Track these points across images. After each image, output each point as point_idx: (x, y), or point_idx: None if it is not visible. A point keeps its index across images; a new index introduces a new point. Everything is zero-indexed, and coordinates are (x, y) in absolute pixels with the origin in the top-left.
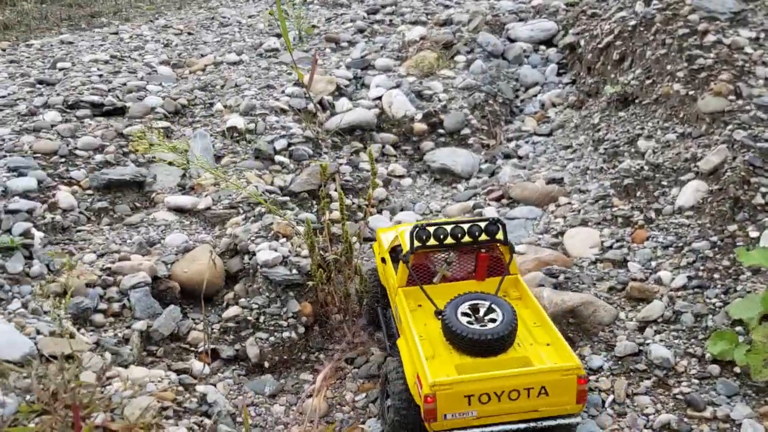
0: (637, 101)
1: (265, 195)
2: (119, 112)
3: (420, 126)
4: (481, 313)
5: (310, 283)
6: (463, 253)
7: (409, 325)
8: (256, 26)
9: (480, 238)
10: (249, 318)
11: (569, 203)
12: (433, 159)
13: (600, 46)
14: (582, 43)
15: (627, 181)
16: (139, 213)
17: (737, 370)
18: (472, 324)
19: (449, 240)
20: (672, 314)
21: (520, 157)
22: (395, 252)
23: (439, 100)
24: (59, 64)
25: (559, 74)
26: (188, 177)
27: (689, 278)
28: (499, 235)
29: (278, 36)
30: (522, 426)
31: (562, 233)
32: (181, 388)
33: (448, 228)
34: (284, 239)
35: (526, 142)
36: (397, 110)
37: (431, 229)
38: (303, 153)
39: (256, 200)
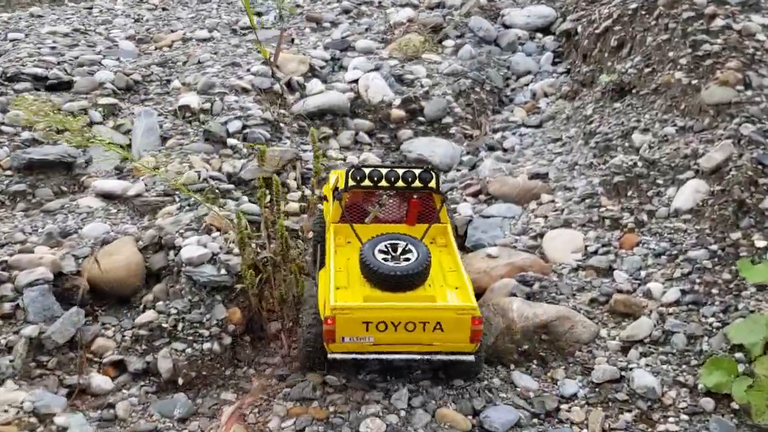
0: (634, 91)
1: (208, 182)
2: (64, 86)
3: (398, 113)
4: (398, 252)
5: (240, 285)
6: (396, 197)
7: (330, 257)
8: (236, 3)
9: (413, 185)
10: (164, 325)
11: (552, 201)
12: (410, 149)
13: (597, 31)
14: (579, 29)
15: (618, 178)
16: (64, 198)
17: (735, 406)
18: (387, 261)
19: (383, 183)
20: (661, 334)
21: (504, 150)
22: (336, 191)
23: (422, 86)
24: (10, 35)
25: (554, 63)
26: (130, 159)
27: (683, 292)
28: (432, 184)
29: (258, 14)
30: (416, 357)
31: (541, 235)
32: (33, 420)
33: (384, 171)
34: (218, 233)
35: (513, 134)
36: (374, 95)
37: (367, 170)
38: (259, 137)
39: (174, 187)
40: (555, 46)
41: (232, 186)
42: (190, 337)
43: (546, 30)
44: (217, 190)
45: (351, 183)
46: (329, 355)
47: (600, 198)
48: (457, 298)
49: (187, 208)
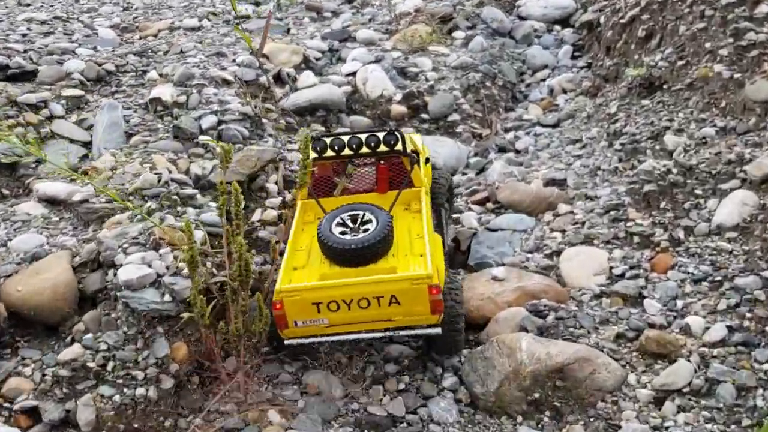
0: (665, 87)
1: (169, 186)
2: (28, 76)
3: (399, 108)
4: (357, 224)
5: (188, 314)
6: (365, 165)
7: (289, 236)
8: None
9: (378, 149)
10: (90, 364)
11: (571, 212)
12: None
13: (623, 21)
14: (602, 19)
15: (648, 187)
16: (3, 203)
17: None
18: (345, 234)
19: (347, 152)
20: (704, 383)
21: (517, 151)
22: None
23: (426, 79)
24: None
25: (573, 57)
26: (90, 158)
27: (730, 329)
28: (399, 147)
29: (257, 3)
30: (378, 335)
31: (558, 253)
32: None
33: (345, 139)
34: (168, 249)
35: (527, 134)
36: (373, 88)
37: (327, 140)
38: (235, 134)
39: (98, 192)
40: (574, 39)
41: (196, 191)
42: (121, 380)
43: (564, 22)
44: (176, 197)
45: (313, 155)
46: (285, 342)
47: (627, 210)
48: (418, 268)
49: (139, 217)
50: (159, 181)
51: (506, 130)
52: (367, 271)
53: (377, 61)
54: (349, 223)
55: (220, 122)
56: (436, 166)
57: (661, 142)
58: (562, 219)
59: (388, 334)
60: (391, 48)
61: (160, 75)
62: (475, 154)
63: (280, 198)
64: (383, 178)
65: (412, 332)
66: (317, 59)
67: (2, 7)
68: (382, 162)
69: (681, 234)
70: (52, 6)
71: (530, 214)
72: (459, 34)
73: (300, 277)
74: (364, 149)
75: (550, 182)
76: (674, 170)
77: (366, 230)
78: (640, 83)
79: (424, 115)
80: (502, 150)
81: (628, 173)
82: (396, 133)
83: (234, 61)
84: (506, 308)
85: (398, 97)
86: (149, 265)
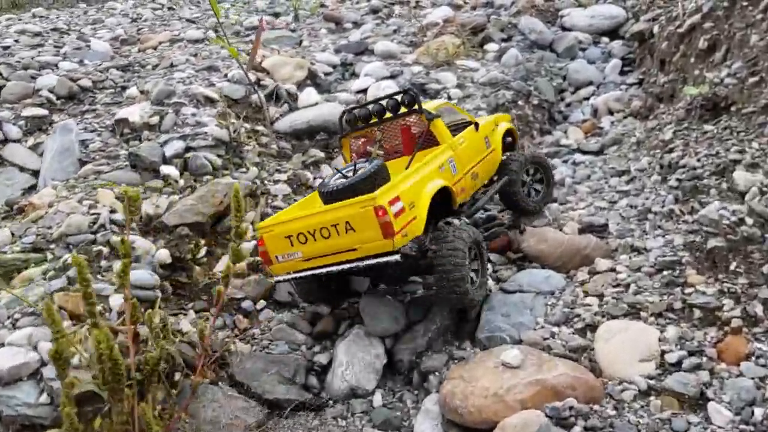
0: (733, 109)
1: (106, 229)
2: None
3: None
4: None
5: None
6: (392, 130)
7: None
8: (254, 3)
9: (398, 112)
10: None
11: (612, 270)
12: None
13: (680, 30)
14: (656, 29)
15: (713, 241)
16: None
17: None
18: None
19: (374, 121)
20: None
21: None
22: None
23: (449, 97)
24: None
25: (623, 72)
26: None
27: None
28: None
29: (276, 15)
30: (347, 266)
31: (592, 328)
32: None
33: (370, 107)
34: (70, 323)
35: (564, 162)
36: None
37: (356, 111)
38: (204, 163)
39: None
40: (624, 52)
41: (136, 239)
42: None
43: (613, 33)
44: (106, 246)
45: (345, 128)
46: (274, 279)
47: (685, 270)
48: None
49: (53, 273)
50: (94, 223)
51: None
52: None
53: (393, 76)
54: (349, 174)
55: (188, 149)
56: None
57: (729, 179)
58: (600, 279)
59: (354, 265)
60: (413, 62)
61: (141, 92)
62: None
63: (254, 242)
64: (407, 139)
65: (374, 261)
66: (327, 74)
67: (15, 21)
68: (403, 124)
69: (759, 309)
70: (57, 17)
71: (560, 269)
72: (492, 47)
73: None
74: (388, 115)
75: (587, 228)
76: (748, 219)
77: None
78: (702, 104)
79: None
80: None
81: (687, 218)
82: (410, 92)
83: (226, 75)
84: (518, 410)
85: None
86: (35, 348)
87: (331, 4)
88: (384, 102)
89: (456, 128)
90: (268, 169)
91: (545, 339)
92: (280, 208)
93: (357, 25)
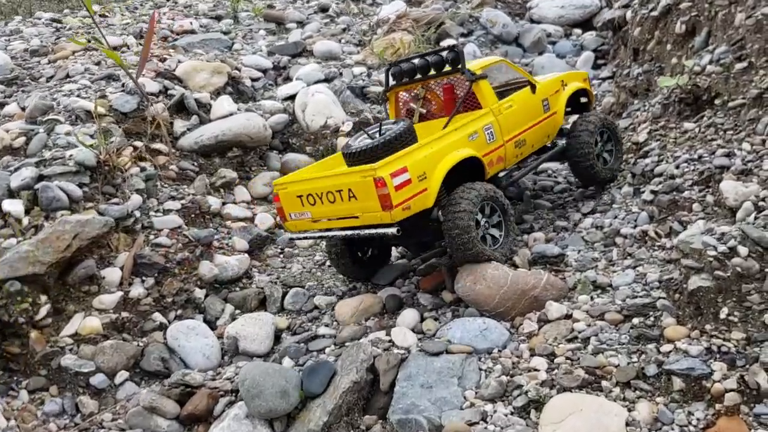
0: (717, 102)
1: None
2: None
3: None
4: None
5: None
6: (437, 88)
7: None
8: (197, 7)
9: (443, 70)
10: None
11: (568, 317)
12: None
13: (654, 14)
14: (628, 15)
15: (697, 279)
16: None
17: None
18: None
19: (418, 77)
20: None
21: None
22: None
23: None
24: None
25: (596, 66)
26: None
27: None
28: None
29: (218, 18)
30: (350, 233)
31: (537, 404)
32: None
33: (416, 62)
34: None
35: None
36: (314, 117)
37: (403, 65)
38: (59, 196)
39: None
40: (598, 44)
41: None
42: None
43: (587, 24)
44: None
45: (392, 82)
46: (288, 237)
47: (662, 318)
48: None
49: None
50: None
51: None
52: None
53: (328, 79)
54: (377, 135)
55: (41, 177)
56: (586, 117)
57: (715, 190)
58: (552, 330)
59: (356, 233)
60: (356, 62)
61: (22, 108)
62: None
63: (120, 294)
64: (449, 99)
65: (374, 231)
66: (255, 80)
67: None
68: (446, 81)
69: (762, 378)
70: None
71: (503, 316)
72: (449, 43)
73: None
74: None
75: (539, 258)
76: (741, 249)
77: None
78: (681, 98)
79: None
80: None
81: (664, 243)
82: (455, 50)
83: (123, 86)
84: None
85: (346, 127)
86: None
87: (280, 5)
88: (429, 58)
89: (511, 89)
90: (159, 196)
91: (472, 424)
92: (164, 246)
93: (301, 24)
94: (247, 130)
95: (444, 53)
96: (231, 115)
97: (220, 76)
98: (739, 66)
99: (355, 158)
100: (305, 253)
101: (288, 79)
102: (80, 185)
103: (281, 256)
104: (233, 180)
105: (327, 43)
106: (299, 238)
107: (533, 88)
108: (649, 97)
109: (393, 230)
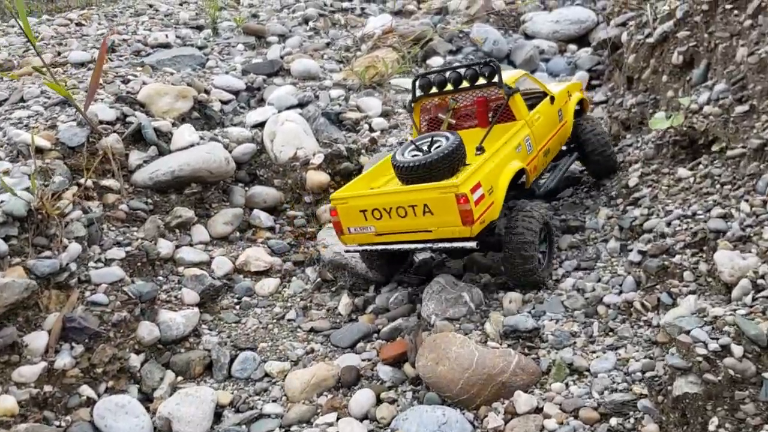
0: (715, 148)
1: None
2: None
3: (318, 177)
4: (432, 148)
5: None
6: (467, 99)
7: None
8: (177, 15)
9: (476, 83)
10: None
11: (538, 410)
12: (330, 241)
13: (650, 40)
14: (624, 37)
15: (683, 383)
16: None
17: None
18: (416, 157)
19: (449, 88)
20: None
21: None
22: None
23: (370, 129)
24: None
25: (590, 87)
26: None
27: None
28: (495, 79)
29: (199, 28)
30: (420, 246)
31: None
32: None
33: (447, 74)
34: None
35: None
36: (283, 147)
37: (431, 77)
38: None
39: None
40: (593, 62)
41: None
42: None
43: (582, 40)
44: None
45: (418, 93)
46: (344, 249)
47: (643, 423)
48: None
49: None
50: None
51: None
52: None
53: (301, 104)
54: (424, 147)
55: None
56: (587, 117)
57: (709, 258)
58: (519, 426)
59: (428, 246)
60: (333, 84)
61: None
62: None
63: (44, 365)
64: (482, 111)
65: (450, 245)
66: (226, 103)
67: None
68: (480, 95)
69: None
70: None
71: (466, 404)
72: (436, 61)
73: (357, 188)
74: (464, 84)
75: (511, 332)
76: (736, 348)
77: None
78: (675, 140)
79: None
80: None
81: (650, 318)
82: (491, 64)
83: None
84: None
85: (318, 159)
86: None
87: (264, 14)
88: (462, 71)
89: (528, 99)
90: (102, 242)
91: None
92: (100, 304)
93: (283, 38)
94: (208, 165)
95: (478, 67)
96: (192, 146)
97: (185, 101)
98: (739, 109)
99: (409, 173)
100: (264, 302)
101: (262, 101)
102: (6, 238)
103: (237, 307)
104: (190, 219)
105: (305, 62)
106: (357, 251)
107: (552, 99)
108: (642, 131)
109: (473, 244)
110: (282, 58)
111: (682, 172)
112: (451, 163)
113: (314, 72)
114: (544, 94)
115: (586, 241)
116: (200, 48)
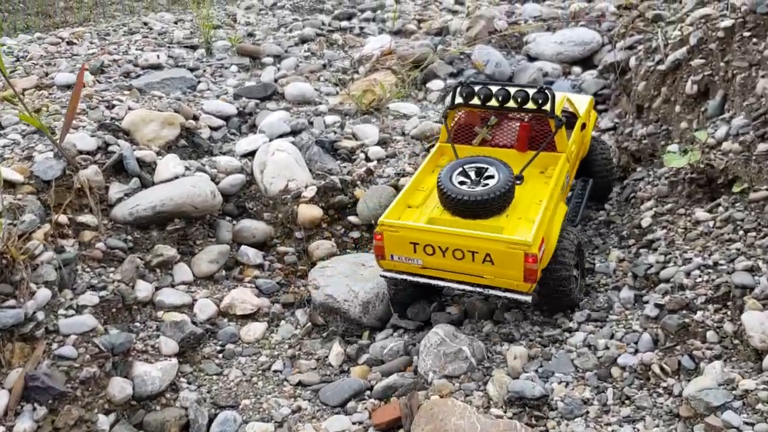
0: (735, 189)
1: None
2: None
3: (310, 212)
4: (481, 177)
5: None
6: (508, 120)
7: (417, 174)
8: (172, 34)
9: (525, 106)
10: None
11: None
12: (324, 281)
13: (662, 67)
14: (633, 63)
15: None
16: None
17: None
18: (464, 185)
19: (493, 103)
20: None
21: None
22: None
23: (367, 159)
24: None
25: (596, 112)
26: None
27: None
28: (547, 107)
29: (192, 48)
30: (468, 288)
31: None
32: None
33: (494, 89)
34: None
35: None
36: (273, 179)
37: (476, 88)
38: None
39: None
40: (599, 86)
41: None
42: None
43: (587, 62)
44: None
45: (458, 100)
46: (381, 273)
47: None
48: (523, 233)
49: None
50: None
51: None
52: (474, 225)
53: (294, 132)
54: (472, 174)
55: None
56: (597, 139)
57: (735, 316)
58: None
59: (477, 290)
60: (329, 110)
61: None
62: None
63: (2, 429)
64: (524, 137)
65: (502, 294)
66: (215, 129)
67: None
68: (525, 119)
69: None
70: None
71: None
72: (436, 85)
73: (409, 215)
74: (511, 103)
75: (517, 400)
76: None
77: (485, 185)
78: (692, 177)
79: (353, 219)
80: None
81: (670, 386)
82: (546, 91)
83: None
84: None
85: (310, 192)
86: None
87: (261, 33)
88: (513, 90)
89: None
90: (75, 286)
91: None
92: (67, 358)
93: (279, 59)
94: (192, 199)
95: (531, 90)
96: (176, 178)
97: (171, 128)
98: (762, 147)
99: (461, 206)
100: (249, 350)
101: (254, 126)
102: None
103: (220, 356)
104: (172, 258)
105: (300, 86)
106: (395, 278)
107: (583, 126)
108: (654, 164)
109: (528, 298)
110: (276, 81)
111: (700, 214)
112: (504, 201)
113: (309, 96)
114: (575, 117)
115: (597, 288)
116: (192, 70)
